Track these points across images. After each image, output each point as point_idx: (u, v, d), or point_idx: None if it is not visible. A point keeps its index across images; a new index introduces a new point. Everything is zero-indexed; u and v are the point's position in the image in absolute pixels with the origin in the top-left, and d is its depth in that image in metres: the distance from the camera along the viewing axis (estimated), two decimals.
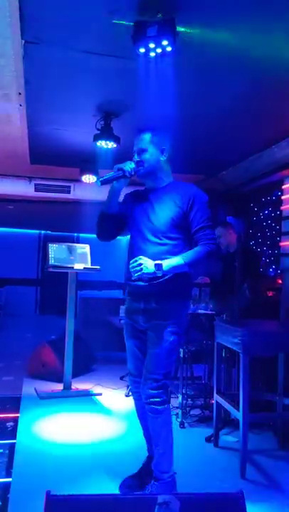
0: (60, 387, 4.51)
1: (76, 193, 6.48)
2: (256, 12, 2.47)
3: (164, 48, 2.54)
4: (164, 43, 2.49)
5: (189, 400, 3.88)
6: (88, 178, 5.47)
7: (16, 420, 3.64)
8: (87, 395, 4.48)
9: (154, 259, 2.33)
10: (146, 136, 2.48)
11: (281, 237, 5.02)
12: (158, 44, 2.51)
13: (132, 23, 2.50)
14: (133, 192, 2.66)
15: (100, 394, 4.49)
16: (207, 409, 3.84)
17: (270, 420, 3.57)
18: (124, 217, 2.57)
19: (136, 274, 2.33)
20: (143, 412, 2.51)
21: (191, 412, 3.83)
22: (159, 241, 2.41)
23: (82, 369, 5.23)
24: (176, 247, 2.40)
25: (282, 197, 5.07)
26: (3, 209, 8.57)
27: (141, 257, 2.34)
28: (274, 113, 3.88)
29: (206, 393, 3.97)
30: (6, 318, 10.09)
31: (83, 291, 8.74)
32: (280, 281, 5.05)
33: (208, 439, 3.35)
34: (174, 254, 2.37)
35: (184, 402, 3.77)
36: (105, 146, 4.25)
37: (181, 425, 3.59)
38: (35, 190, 6.40)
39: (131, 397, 2.90)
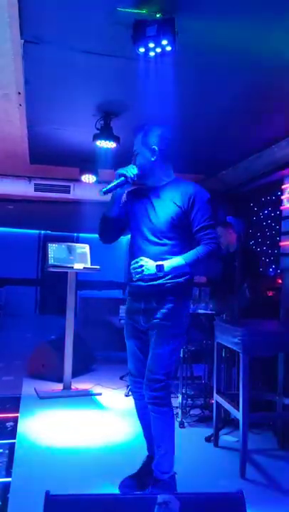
0: (59, 387, 4.51)
1: (76, 193, 6.48)
2: (256, 12, 2.47)
3: (163, 47, 2.53)
4: (164, 42, 2.48)
5: (189, 399, 3.88)
6: (88, 178, 5.46)
7: (15, 420, 3.64)
8: (87, 394, 4.47)
9: (154, 259, 2.33)
10: (138, 138, 2.47)
11: (281, 237, 5.02)
12: (158, 44, 2.50)
13: (134, 13, 2.44)
14: (133, 190, 2.63)
15: (100, 394, 4.49)
16: (207, 409, 3.84)
17: (270, 420, 3.57)
18: (126, 218, 2.56)
19: (137, 276, 2.33)
20: (143, 412, 2.51)
21: (191, 412, 3.83)
22: (159, 241, 2.40)
23: (82, 369, 5.23)
24: (177, 246, 2.39)
25: (282, 197, 5.06)
26: (2, 209, 8.57)
27: (142, 258, 2.34)
28: (274, 112, 3.87)
29: (205, 393, 3.97)
30: (6, 318, 10.09)
31: (83, 291, 8.74)
32: (279, 281, 5.05)
33: (208, 439, 3.35)
34: (175, 254, 2.37)
35: (184, 401, 3.77)
36: (105, 146, 4.25)
37: (181, 425, 3.59)
38: (35, 190, 6.39)
39: (131, 397, 2.90)
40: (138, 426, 2.70)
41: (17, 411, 3.87)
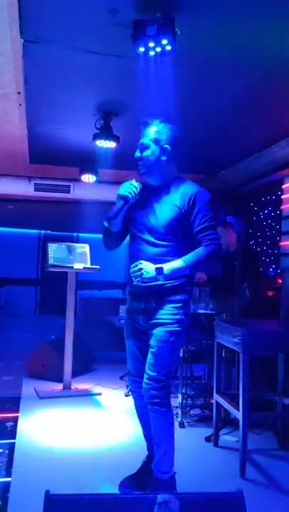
0: (59, 386, 4.51)
1: (76, 193, 6.48)
2: (256, 11, 2.47)
3: (163, 47, 2.53)
4: (164, 41, 2.48)
5: (189, 399, 3.88)
6: (88, 178, 5.46)
7: (15, 420, 3.64)
8: (86, 394, 4.47)
9: (153, 261, 2.32)
10: (151, 132, 2.44)
11: (281, 237, 5.01)
12: (157, 43, 2.50)
13: (131, 22, 2.48)
14: None
15: (100, 394, 4.49)
16: (207, 409, 3.84)
17: (269, 420, 3.57)
18: (127, 223, 2.54)
19: (136, 279, 2.32)
20: (143, 411, 2.51)
21: (191, 412, 3.83)
22: (158, 242, 2.38)
23: (81, 369, 5.23)
24: (177, 248, 2.38)
25: (282, 196, 5.06)
26: (2, 209, 8.57)
27: (141, 261, 2.33)
28: (274, 112, 3.87)
29: (205, 393, 3.96)
30: (6, 318, 10.09)
31: (83, 291, 8.74)
32: (280, 281, 5.04)
33: (208, 439, 3.35)
34: (174, 255, 2.35)
35: (184, 401, 3.77)
36: (105, 146, 4.24)
37: (181, 425, 3.59)
38: (35, 190, 6.40)
39: (131, 397, 2.89)
40: (138, 426, 2.70)
41: (17, 411, 3.86)
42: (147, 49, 2.56)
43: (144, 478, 2.48)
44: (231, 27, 2.63)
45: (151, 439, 2.46)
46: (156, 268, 2.29)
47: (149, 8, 2.41)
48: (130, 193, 2.39)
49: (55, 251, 4.55)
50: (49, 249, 4.54)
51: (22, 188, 6.40)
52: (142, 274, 2.29)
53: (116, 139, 4.17)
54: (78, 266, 4.50)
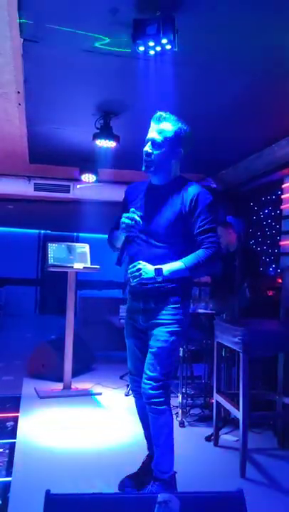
0: (59, 386, 4.51)
1: (75, 193, 6.48)
2: (257, 11, 2.47)
3: (163, 46, 2.53)
4: (164, 41, 2.48)
5: (189, 399, 3.88)
6: (88, 178, 5.47)
7: (15, 420, 3.64)
8: (87, 394, 4.47)
9: (152, 262, 2.31)
10: (166, 130, 2.36)
11: (281, 236, 5.02)
12: (157, 42, 2.50)
13: (131, 21, 2.48)
14: (133, 186, 2.59)
15: (100, 393, 4.49)
16: (207, 409, 3.84)
17: (270, 419, 3.57)
18: None
19: (135, 280, 2.31)
20: (144, 411, 2.50)
21: (191, 412, 3.83)
22: (158, 243, 2.37)
23: (82, 368, 5.22)
24: (176, 249, 2.36)
25: (282, 196, 5.07)
26: (2, 209, 8.57)
27: (140, 262, 2.32)
28: (274, 112, 3.87)
29: (205, 392, 3.96)
30: (6, 318, 10.08)
31: (83, 291, 8.73)
32: (280, 281, 5.03)
33: (208, 439, 3.35)
34: (174, 256, 2.33)
35: (184, 401, 3.76)
36: (105, 145, 4.24)
37: (181, 424, 3.59)
38: (35, 190, 6.40)
39: (131, 397, 2.90)
40: (138, 425, 2.70)
41: (17, 411, 3.86)
42: (147, 48, 2.57)
43: (145, 478, 2.48)
44: (231, 27, 2.63)
45: (152, 439, 2.46)
46: (156, 269, 2.28)
47: (149, 8, 2.42)
48: (134, 226, 2.30)
49: (55, 251, 4.54)
50: (49, 249, 4.54)
51: (22, 188, 6.40)
52: (140, 274, 2.29)
53: (116, 138, 4.18)
54: (78, 266, 4.50)
